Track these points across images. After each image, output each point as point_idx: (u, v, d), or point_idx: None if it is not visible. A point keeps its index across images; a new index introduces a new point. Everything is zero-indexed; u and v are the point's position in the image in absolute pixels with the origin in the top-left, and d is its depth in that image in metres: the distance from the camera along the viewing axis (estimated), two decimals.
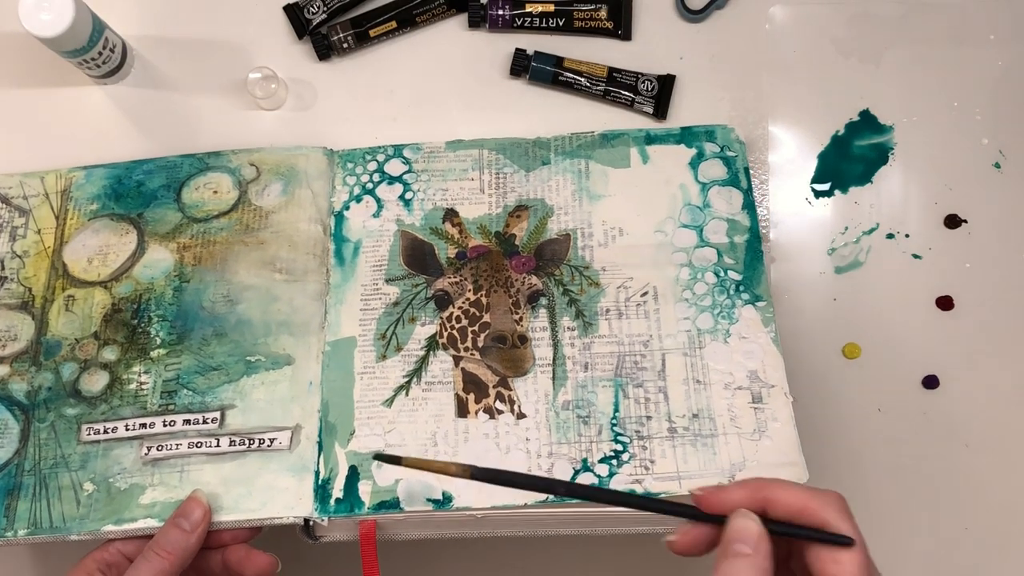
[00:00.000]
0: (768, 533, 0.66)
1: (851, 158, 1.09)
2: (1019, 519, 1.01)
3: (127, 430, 0.92)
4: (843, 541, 0.65)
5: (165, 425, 0.92)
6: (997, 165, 1.08)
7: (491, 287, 0.97)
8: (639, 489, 0.88)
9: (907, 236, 1.07)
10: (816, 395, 1.04)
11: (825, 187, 1.08)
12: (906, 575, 1.02)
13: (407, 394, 0.93)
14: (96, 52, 1.05)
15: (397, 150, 1.04)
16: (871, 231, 1.07)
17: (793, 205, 1.08)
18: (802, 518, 0.66)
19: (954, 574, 1.02)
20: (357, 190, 1.03)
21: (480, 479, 0.73)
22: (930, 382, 1.04)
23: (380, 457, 0.79)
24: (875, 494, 1.03)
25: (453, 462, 0.73)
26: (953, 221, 1.07)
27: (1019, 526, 1.01)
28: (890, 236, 1.07)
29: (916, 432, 1.03)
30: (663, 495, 0.88)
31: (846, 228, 1.07)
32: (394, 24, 1.10)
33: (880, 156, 1.09)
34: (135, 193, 1.03)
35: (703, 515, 0.69)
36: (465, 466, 0.73)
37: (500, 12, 1.11)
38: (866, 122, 1.10)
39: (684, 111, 1.10)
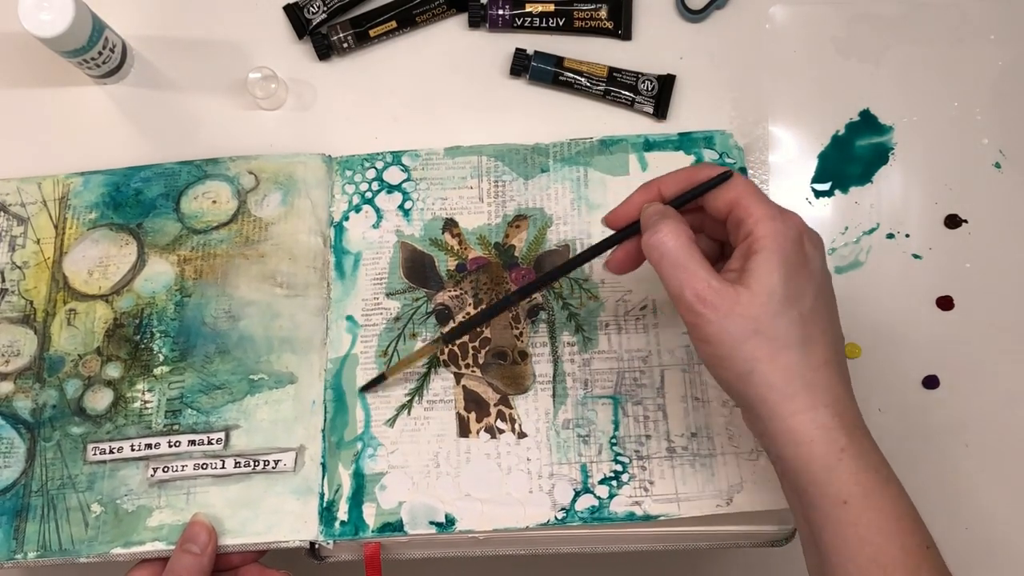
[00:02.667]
0: (672, 207, 0.78)
1: (851, 158, 1.09)
2: (1019, 519, 1.02)
3: (133, 450, 0.93)
4: (723, 176, 0.77)
5: (171, 446, 0.93)
6: (997, 165, 1.08)
7: (491, 301, 0.97)
8: (638, 511, 0.89)
9: (907, 236, 1.06)
10: None
11: (825, 187, 1.08)
12: None
13: (409, 413, 0.94)
14: (96, 52, 1.05)
15: (396, 157, 1.04)
16: (871, 231, 1.07)
17: (793, 205, 1.07)
18: (690, 186, 0.79)
19: (954, 574, 1.03)
20: (356, 199, 1.03)
21: (450, 340, 0.94)
22: (930, 382, 1.04)
23: (365, 387, 0.93)
24: None
25: (425, 345, 0.93)
26: (953, 221, 1.07)
27: (1019, 526, 1.02)
28: (890, 236, 1.07)
29: (916, 432, 1.04)
30: (662, 517, 0.89)
31: (846, 228, 1.07)
32: (394, 24, 1.10)
33: (880, 156, 1.09)
34: (134, 202, 1.03)
35: (622, 233, 0.81)
36: (433, 342, 0.94)
37: (500, 12, 1.10)
38: (866, 122, 1.09)
39: (684, 111, 1.09)
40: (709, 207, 0.78)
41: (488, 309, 0.90)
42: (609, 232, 0.83)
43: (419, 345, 0.96)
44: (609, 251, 0.82)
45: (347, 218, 1.02)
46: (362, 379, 0.95)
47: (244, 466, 0.92)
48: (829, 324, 0.76)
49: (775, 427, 0.72)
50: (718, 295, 0.71)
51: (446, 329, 0.95)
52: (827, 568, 0.73)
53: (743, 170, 1.03)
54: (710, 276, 0.72)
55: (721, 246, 0.83)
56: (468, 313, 0.97)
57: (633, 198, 0.81)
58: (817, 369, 0.73)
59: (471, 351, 0.96)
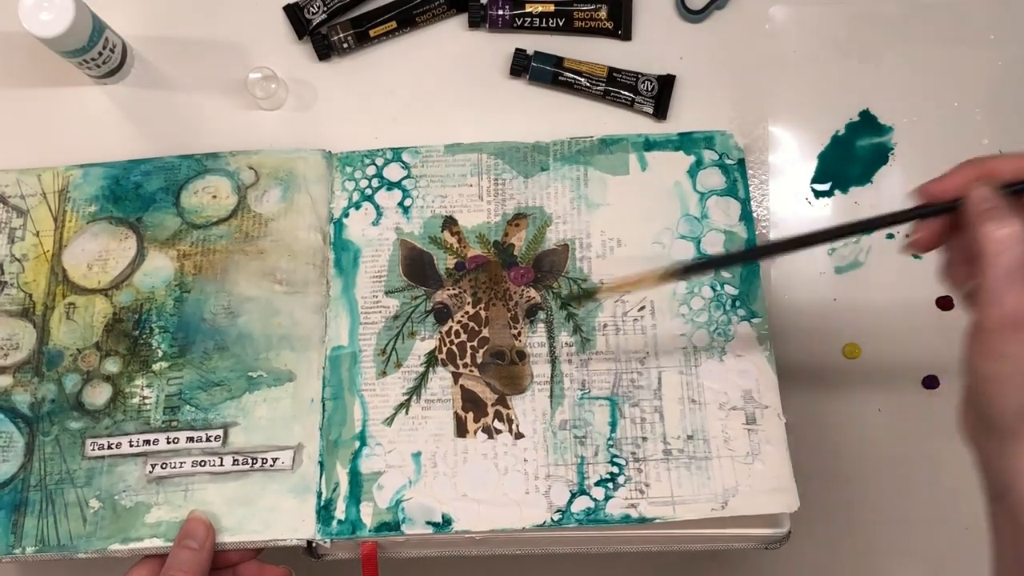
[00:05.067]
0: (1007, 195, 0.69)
1: (851, 158, 1.09)
2: None
3: (131, 446, 0.93)
4: None
5: (169, 442, 0.93)
6: None
7: (490, 300, 0.97)
8: (634, 514, 0.89)
9: (907, 236, 1.06)
10: (816, 395, 1.04)
11: (825, 187, 1.08)
12: (906, 575, 1.03)
13: (407, 412, 0.94)
14: (96, 52, 1.05)
15: (396, 154, 1.04)
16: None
17: (793, 205, 1.08)
18: None
19: (954, 574, 1.03)
20: (356, 196, 1.03)
21: (685, 275, 0.86)
22: (930, 382, 1.04)
23: (573, 297, 0.92)
24: (875, 494, 1.03)
25: (651, 273, 0.84)
26: None
27: None
28: (890, 236, 1.07)
29: (916, 432, 1.04)
30: (657, 520, 0.89)
31: None
32: (394, 24, 1.10)
33: (880, 156, 1.09)
34: (133, 195, 1.03)
35: (934, 208, 0.73)
36: (663, 272, 0.83)
37: (500, 12, 1.10)
38: (866, 122, 1.09)
39: (684, 111, 1.09)
40: None
41: (727, 258, 0.88)
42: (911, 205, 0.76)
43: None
44: (909, 225, 0.76)
45: (347, 215, 1.02)
46: (360, 378, 0.96)
47: (242, 464, 0.92)
48: None
49: None
50: None
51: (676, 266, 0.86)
52: None
53: (742, 162, 1.03)
54: None
55: None
56: (467, 312, 0.97)
57: (959, 172, 0.72)
58: None
59: (469, 350, 0.96)
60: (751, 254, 0.84)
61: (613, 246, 0.99)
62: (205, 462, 0.92)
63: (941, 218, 0.73)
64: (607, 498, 0.90)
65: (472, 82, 1.11)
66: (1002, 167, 0.71)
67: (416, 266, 1.00)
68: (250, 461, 0.92)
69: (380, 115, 1.10)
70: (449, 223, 1.01)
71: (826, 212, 1.08)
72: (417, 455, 0.92)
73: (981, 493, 1.01)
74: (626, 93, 1.08)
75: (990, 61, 1.11)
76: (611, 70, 1.08)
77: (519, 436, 0.93)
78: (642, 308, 0.97)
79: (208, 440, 0.93)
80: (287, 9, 1.12)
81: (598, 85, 1.08)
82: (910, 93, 1.10)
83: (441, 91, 1.11)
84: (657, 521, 0.89)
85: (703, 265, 0.88)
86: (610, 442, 0.92)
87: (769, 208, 1.07)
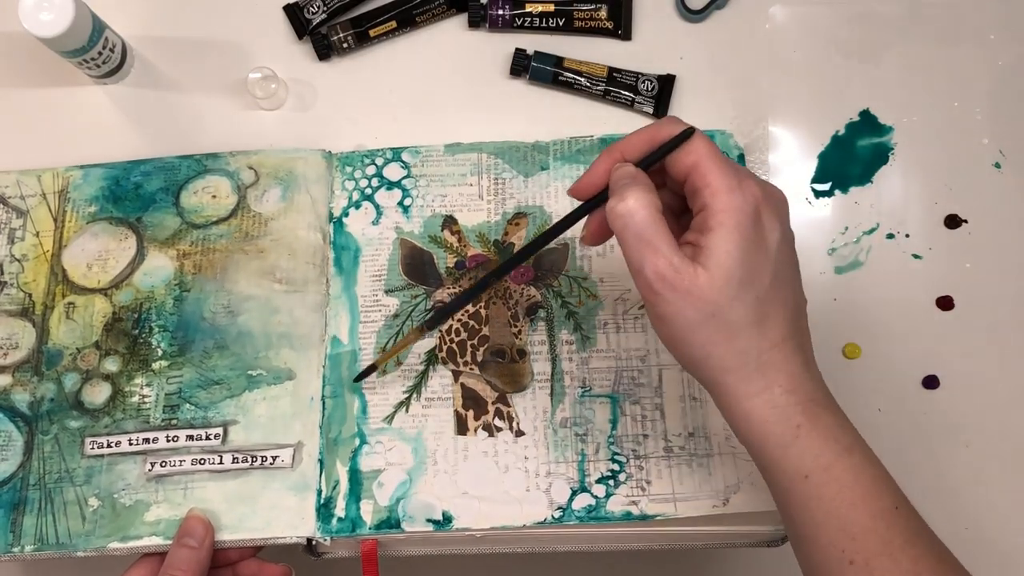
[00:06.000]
0: (640, 169, 0.74)
1: (851, 158, 1.08)
2: (1019, 519, 1.02)
3: (131, 445, 0.93)
4: (685, 134, 0.73)
5: (168, 440, 0.93)
6: (997, 165, 1.08)
7: (490, 299, 0.97)
8: (635, 511, 0.89)
9: (907, 236, 1.06)
10: None
11: (825, 187, 1.08)
12: None
13: (407, 410, 0.94)
14: (96, 52, 1.05)
15: (395, 153, 1.04)
16: (871, 231, 1.07)
17: (793, 205, 1.05)
18: (654, 146, 0.75)
19: None
20: (356, 195, 1.03)
21: (432, 326, 0.89)
22: (930, 382, 1.04)
23: (358, 378, 0.92)
24: None
25: (409, 333, 0.90)
26: (953, 221, 1.06)
27: (1019, 526, 1.02)
28: (890, 236, 1.07)
29: (916, 432, 1.03)
30: (658, 517, 0.89)
31: (846, 228, 1.07)
32: (394, 24, 1.10)
33: (880, 156, 1.08)
34: (133, 196, 1.03)
35: (591, 203, 0.78)
36: (417, 329, 0.89)
37: (500, 12, 1.10)
38: (866, 122, 1.09)
39: (684, 111, 1.09)
40: (669, 169, 0.75)
41: (467, 291, 0.88)
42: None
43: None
44: (582, 224, 0.80)
45: (347, 214, 1.02)
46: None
47: (242, 462, 0.91)
48: (788, 297, 0.74)
49: (733, 410, 0.73)
50: (677, 275, 0.69)
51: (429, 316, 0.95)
52: (799, 542, 0.74)
53: (741, 158, 1.03)
54: (672, 253, 0.69)
55: (684, 199, 0.77)
56: (466, 311, 0.97)
57: (597, 165, 0.77)
58: (772, 348, 0.72)
59: (469, 349, 0.96)
60: (481, 285, 0.86)
61: (613, 244, 0.98)
62: (205, 460, 0.92)
63: (603, 209, 0.75)
64: (608, 495, 0.90)
65: (472, 82, 1.11)
66: (631, 146, 0.76)
67: (416, 265, 0.99)
68: (250, 459, 0.92)
69: (380, 115, 1.10)
70: (449, 222, 1.01)
71: (826, 212, 1.08)
72: (417, 453, 0.92)
73: (980, 494, 1.02)
74: (626, 93, 1.08)
75: (990, 61, 1.11)
76: (611, 70, 1.08)
77: (520, 434, 0.92)
78: (643, 306, 0.96)
79: (208, 438, 0.93)
80: (287, 9, 1.12)
81: (598, 85, 1.08)
82: (910, 93, 1.10)
83: (441, 91, 1.11)
84: (658, 518, 0.89)
85: (447, 310, 0.88)
86: (611, 439, 0.92)
87: None
